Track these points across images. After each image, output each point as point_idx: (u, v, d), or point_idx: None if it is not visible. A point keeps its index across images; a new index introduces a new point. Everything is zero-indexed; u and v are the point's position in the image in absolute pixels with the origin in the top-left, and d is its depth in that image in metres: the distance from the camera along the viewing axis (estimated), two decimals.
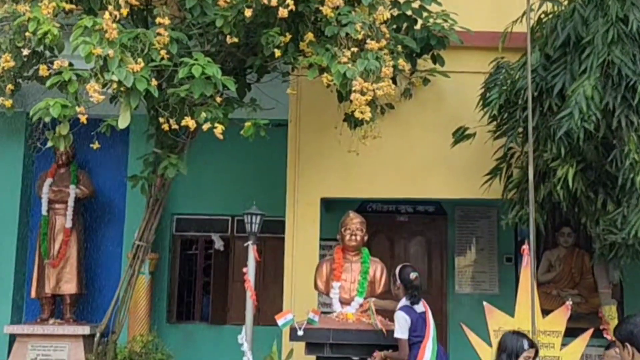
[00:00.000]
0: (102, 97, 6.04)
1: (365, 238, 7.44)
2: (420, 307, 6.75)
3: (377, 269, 7.38)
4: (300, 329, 6.84)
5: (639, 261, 7.27)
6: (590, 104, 6.67)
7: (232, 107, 7.13)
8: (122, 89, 6.18)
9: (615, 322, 7.36)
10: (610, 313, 7.54)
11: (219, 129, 6.43)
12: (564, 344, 6.49)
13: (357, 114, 6.61)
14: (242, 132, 6.80)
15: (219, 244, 10.53)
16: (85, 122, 6.15)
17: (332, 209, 9.21)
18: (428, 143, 8.56)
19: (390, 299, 7.10)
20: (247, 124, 6.82)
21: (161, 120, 6.73)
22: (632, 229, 6.70)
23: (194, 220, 10.71)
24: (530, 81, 6.65)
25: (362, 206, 9.96)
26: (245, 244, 7.46)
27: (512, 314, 6.51)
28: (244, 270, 7.32)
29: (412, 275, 6.76)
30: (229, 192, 10.19)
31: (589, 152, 7.08)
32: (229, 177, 10.38)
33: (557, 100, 7.10)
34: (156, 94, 6.33)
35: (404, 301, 6.76)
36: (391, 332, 6.73)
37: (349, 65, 6.61)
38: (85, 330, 9.28)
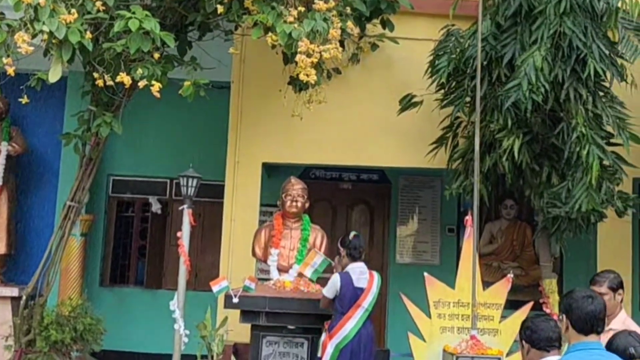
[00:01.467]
0: (32, 48, 5.74)
1: (307, 205, 7.31)
2: (362, 282, 6.64)
3: (317, 236, 7.27)
4: (235, 296, 6.72)
5: (581, 235, 7.28)
6: (540, 75, 6.63)
7: (171, 65, 6.88)
8: (53, 40, 5.90)
9: (555, 295, 7.40)
10: (550, 286, 7.53)
11: (155, 87, 6.19)
12: (503, 317, 6.45)
13: (302, 77, 6.42)
14: (180, 92, 6.55)
15: (156, 207, 10.29)
16: (12, 74, 5.83)
17: (274, 175, 9.03)
18: (374, 110, 8.45)
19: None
20: (187, 83, 6.59)
21: (96, 76, 6.42)
22: (576, 203, 6.71)
23: (131, 182, 10.42)
24: (480, 50, 6.56)
25: (305, 173, 9.80)
26: (180, 208, 7.25)
27: (452, 285, 6.46)
28: (178, 234, 7.11)
29: (351, 234, 6.82)
30: (169, 154, 9.91)
31: (536, 124, 7.06)
32: (168, 139, 10.11)
33: (506, 70, 7.06)
34: (90, 48, 6.07)
35: (349, 266, 6.70)
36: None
37: (295, 25, 6.39)
38: (14, 292, 8.98)
